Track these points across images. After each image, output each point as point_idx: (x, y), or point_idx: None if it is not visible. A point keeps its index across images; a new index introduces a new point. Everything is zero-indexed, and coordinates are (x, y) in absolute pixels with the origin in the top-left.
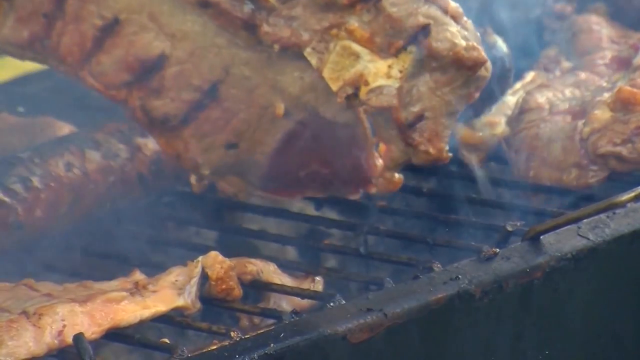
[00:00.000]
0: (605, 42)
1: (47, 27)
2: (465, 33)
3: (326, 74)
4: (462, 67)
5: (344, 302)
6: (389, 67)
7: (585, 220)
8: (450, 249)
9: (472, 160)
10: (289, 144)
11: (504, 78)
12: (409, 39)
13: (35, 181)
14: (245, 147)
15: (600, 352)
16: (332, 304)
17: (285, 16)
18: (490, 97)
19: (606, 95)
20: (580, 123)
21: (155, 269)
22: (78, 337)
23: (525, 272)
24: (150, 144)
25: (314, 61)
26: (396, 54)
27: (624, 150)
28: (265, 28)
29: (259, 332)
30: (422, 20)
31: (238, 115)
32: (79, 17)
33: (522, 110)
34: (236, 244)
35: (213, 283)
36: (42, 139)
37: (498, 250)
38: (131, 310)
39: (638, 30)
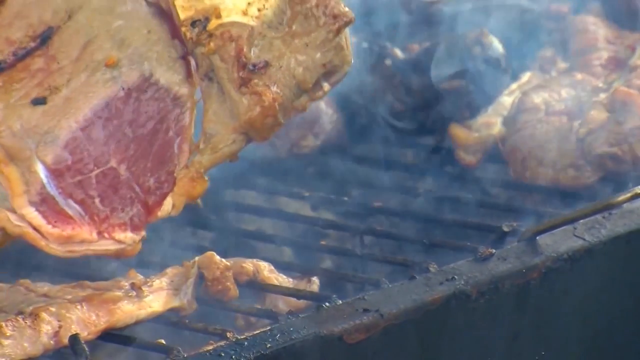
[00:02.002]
0: (601, 42)
1: None
2: None
3: (178, 1)
4: (326, 17)
5: (340, 302)
6: (248, 4)
7: (581, 221)
8: (447, 249)
9: (469, 160)
10: (101, 120)
11: (499, 79)
12: None
13: None
14: (53, 107)
15: (596, 353)
16: (328, 304)
17: None
18: (486, 97)
19: (602, 95)
20: (576, 123)
21: (151, 269)
22: (74, 338)
23: (522, 272)
24: None
25: None
26: None
27: (619, 151)
28: None
29: (255, 332)
30: None
31: (61, 66)
32: None
33: (519, 110)
34: (232, 244)
35: (209, 283)
36: None
37: (494, 250)
38: (127, 310)
39: (634, 30)
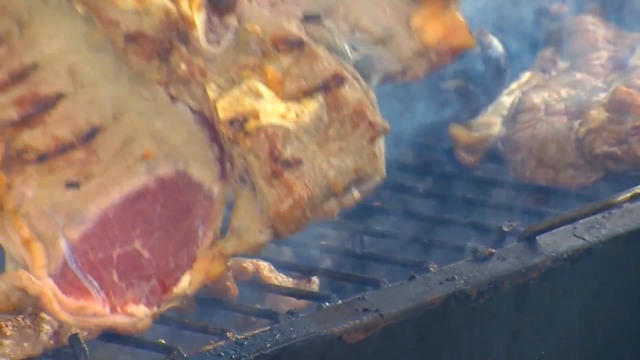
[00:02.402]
0: (601, 42)
1: None
2: (374, 97)
3: (220, 104)
4: (362, 125)
5: (340, 302)
6: (287, 108)
7: (581, 221)
8: (447, 249)
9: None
10: (131, 205)
11: (499, 78)
12: (319, 87)
13: None
14: (85, 191)
15: (596, 353)
16: (328, 304)
17: (207, 53)
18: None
19: (602, 95)
20: (576, 123)
21: None
22: (74, 338)
23: (521, 272)
24: None
25: (212, 93)
26: (300, 98)
27: (619, 151)
28: (182, 53)
29: (255, 332)
30: (339, 70)
31: (100, 158)
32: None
33: (518, 110)
34: None
35: (209, 283)
36: None
37: (494, 250)
38: None
39: (633, 30)
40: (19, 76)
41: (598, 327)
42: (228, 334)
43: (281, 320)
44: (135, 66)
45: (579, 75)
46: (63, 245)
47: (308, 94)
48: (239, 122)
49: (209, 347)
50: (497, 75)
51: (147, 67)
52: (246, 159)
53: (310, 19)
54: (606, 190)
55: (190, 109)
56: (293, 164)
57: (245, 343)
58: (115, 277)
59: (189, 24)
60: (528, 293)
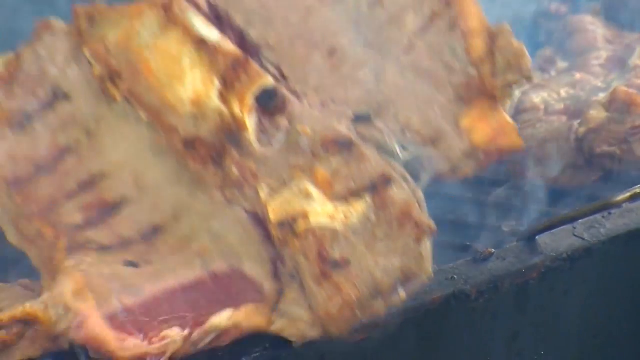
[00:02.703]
0: (600, 42)
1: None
2: (422, 197)
3: (271, 205)
4: (409, 225)
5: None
6: (336, 209)
7: (580, 221)
8: (447, 249)
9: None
10: (184, 292)
11: None
12: (367, 187)
13: None
14: (142, 272)
15: (596, 353)
16: None
17: (258, 155)
18: None
19: (601, 95)
20: (575, 123)
21: None
22: None
23: (521, 272)
24: None
25: (263, 194)
26: (349, 198)
27: (619, 151)
28: (234, 157)
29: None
30: (387, 170)
31: (158, 250)
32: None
33: (518, 110)
34: None
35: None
36: None
37: (494, 250)
38: None
39: (633, 30)
40: (87, 185)
41: (598, 327)
42: None
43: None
44: (193, 170)
45: (578, 75)
46: (117, 306)
47: (356, 194)
48: (288, 224)
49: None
50: None
51: (204, 172)
52: (296, 259)
53: (360, 119)
54: (606, 190)
55: (245, 210)
56: (342, 264)
57: (246, 342)
58: (155, 324)
59: (241, 126)
60: (528, 293)
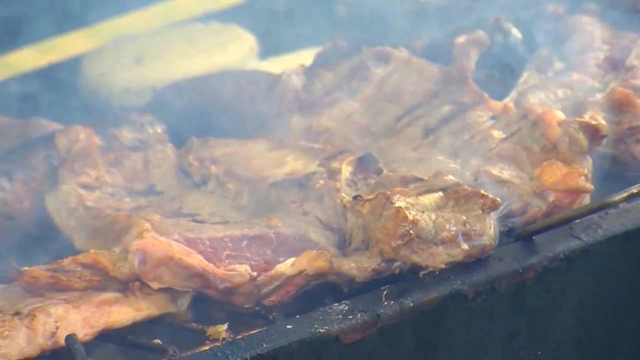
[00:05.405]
0: (597, 42)
1: None
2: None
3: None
4: (476, 197)
5: (336, 302)
6: (408, 193)
7: (577, 221)
8: None
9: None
10: (249, 238)
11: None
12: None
13: (19, 174)
14: (206, 225)
15: (592, 352)
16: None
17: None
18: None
19: (598, 96)
20: None
21: None
22: (70, 338)
23: (518, 272)
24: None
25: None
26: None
27: (616, 151)
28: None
29: (251, 332)
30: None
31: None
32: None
33: None
34: None
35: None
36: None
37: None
38: (124, 312)
39: (630, 30)
40: None
41: (594, 327)
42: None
43: (278, 320)
44: None
45: (575, 76)
46: (178, 238)
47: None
48: (361, 197)
49: (205, 348)
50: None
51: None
52: (364, 218)
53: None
54: (603, 190)
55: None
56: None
57: (242, 343)
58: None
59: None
60: (525, 293)
